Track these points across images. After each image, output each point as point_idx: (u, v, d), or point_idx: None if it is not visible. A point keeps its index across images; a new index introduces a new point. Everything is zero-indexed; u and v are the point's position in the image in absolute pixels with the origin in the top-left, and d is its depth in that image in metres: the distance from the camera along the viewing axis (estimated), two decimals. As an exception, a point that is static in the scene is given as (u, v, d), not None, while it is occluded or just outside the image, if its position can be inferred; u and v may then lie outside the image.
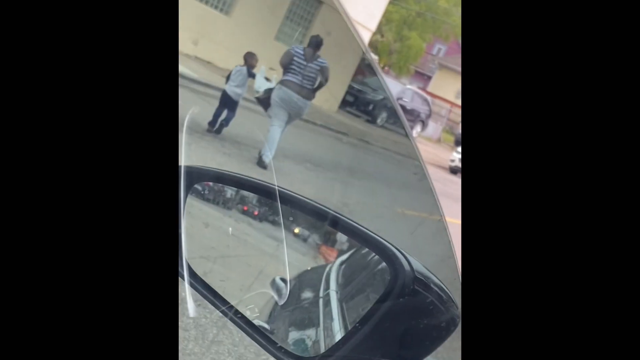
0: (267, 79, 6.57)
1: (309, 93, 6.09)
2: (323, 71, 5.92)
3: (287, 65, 5.91)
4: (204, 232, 1.07)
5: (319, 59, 5.90)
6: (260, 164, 5.89)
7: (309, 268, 1.24)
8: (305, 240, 1.14)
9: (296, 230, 1.06)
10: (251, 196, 1.05)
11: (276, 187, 0.89)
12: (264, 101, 6.24)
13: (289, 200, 0.94)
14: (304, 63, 5.88)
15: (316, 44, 6.00)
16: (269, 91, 6.22)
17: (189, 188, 0.97)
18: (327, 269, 1.19)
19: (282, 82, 6.01)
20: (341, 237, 1.13)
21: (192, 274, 0.93)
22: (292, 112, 6.29)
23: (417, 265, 0.83)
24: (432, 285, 0.81)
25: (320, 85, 6.12)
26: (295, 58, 5.88)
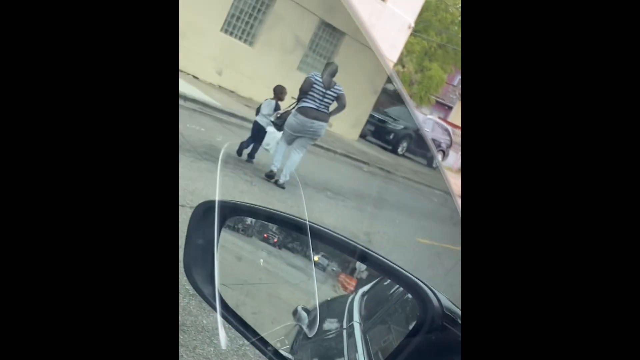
0: (275, 123, 6.83)
1: (325, 116, 6.44)
2: (340, 98, 6.43)
3: (307, 91, 6.38)
4: (237, 265, 1.09)
5: (336, 86, 6.44)
6: (270, 174, 6.17)
7: (329, 298, 1.24)
8: (327, 270, 1.15)
9: (315, 259, 1.08)
10: (282, 229, 1.07)
11: (307, 222, 0.91)
12: (279, 126, 6.62)
13: (318, 235, 0.96)
14: (323, 90, 6.38)
15: (332, 71, 6.56)
16: (285, 116, 6.56)
17: (222, 222, 1.00)
18: (350, 299, 1.20)
19: (298, 109, 6.40)
20: (361, 267, 1.13)
21: (224, 305, 0.95)
22: (305, 136, 6.49)
23: (445, 301, 0.83)
24: (460, 322, 0.81)
25: (337, 110, 6.54)
26: (314, 85, 6.37)
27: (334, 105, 6.52)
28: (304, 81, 6.51)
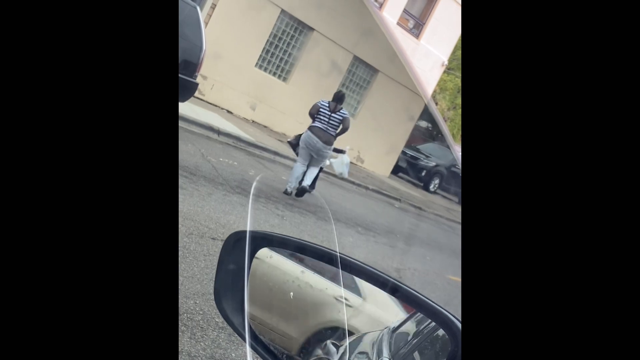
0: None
1: (331, 137, 7.39)
2: (344, 120, 7.40)
3: (314, 115, 7.41)
4: (267, 296, 1.09)
5: (341, 110, 7.41)
6: (285, 192, 7.15)
7: (358, 333, 1.23)
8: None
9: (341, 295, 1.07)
10: (313, 261, 1.08)
11: (338, 253, 0.91)
12: (294, 144, 7.69)
13: (349, 267, 0.96)
14: (329, 113, 7.34)
15: (339, 98, 7.51)
16: (298, 136, 7.55)
17: (253, 252, 1.01)
18: (379, 335, 1.19)
19: (309, 128, 7.44)
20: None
21: (254, 336, 0.95)
22: (314, 154, 7.42)
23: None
24: None
25: (342, 132, 7.48)
26: (321, 109, 7.37)
27: (340, 128, 7.52)
28: (312, 107, 7.52)
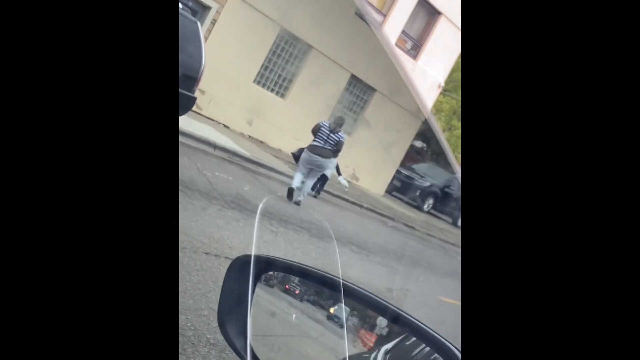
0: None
1: (329, 153, 8.29)
2: (339, 143, 8.25)
3: (315, 133, 8.26)
4: (270, 320, 1.10)
5: (339, 133, 8.26)
6: (289, 195, 8.01)
7: (350, 355, 1.23)
8: (357, 328, 1.15)
9: (332, 311, 1.08)
10: (315, 286, 1.09)
11: (340, 280, 0.92)
12: (296, 157, 8.65)
13: (351, 294, 0.97)
14: (328, 133, 8.21)
15: (338, 121, 8.43)
16: (301, 150, 8.49)
17: (258, 276, 1.02)
18: (372, 357, 1.19)
19: (308, 147, 8.34)
20: (382, 323, 1.13)
21: (254, 358, 0.96)
22: (313, 167, 8.32)
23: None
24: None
25: (337, 151, 8.35)
26: (322, 129, 8.25)
27: (336, 148, 8.38)
28: (314, 126, 8.41)
